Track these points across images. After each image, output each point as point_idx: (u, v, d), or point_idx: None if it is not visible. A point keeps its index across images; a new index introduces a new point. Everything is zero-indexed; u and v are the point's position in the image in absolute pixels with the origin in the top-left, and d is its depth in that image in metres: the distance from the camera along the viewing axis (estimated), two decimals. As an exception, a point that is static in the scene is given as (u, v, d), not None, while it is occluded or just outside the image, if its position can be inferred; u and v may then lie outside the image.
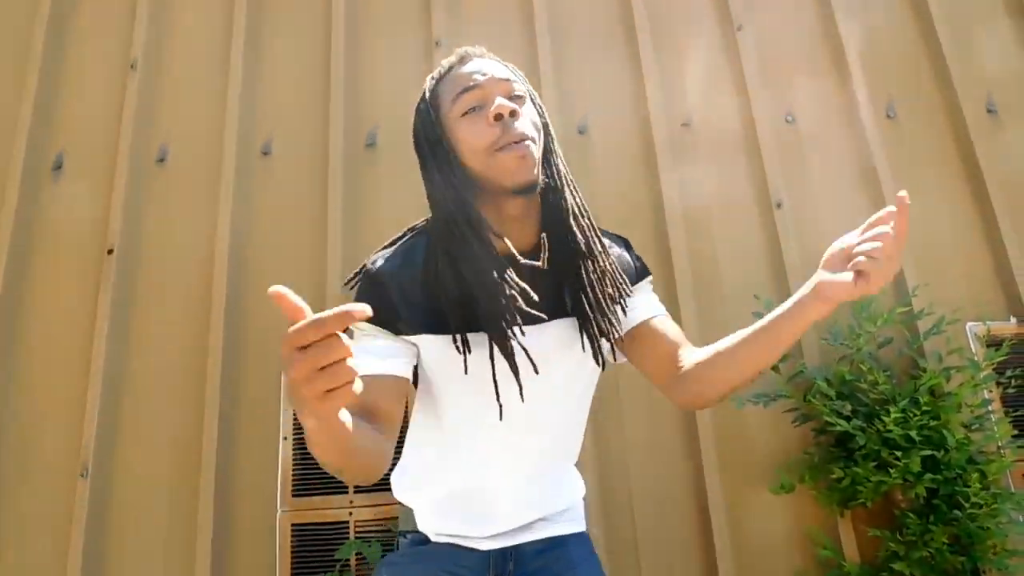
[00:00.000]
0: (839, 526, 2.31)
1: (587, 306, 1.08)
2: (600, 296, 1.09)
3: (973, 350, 2.47)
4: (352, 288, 1.15)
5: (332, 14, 2.82)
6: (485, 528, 1.20)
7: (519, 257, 1.04)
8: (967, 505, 2.09)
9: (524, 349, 1.05)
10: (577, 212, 1.11)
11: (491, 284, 1.02)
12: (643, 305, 1.20)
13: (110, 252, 2.50)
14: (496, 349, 1.04)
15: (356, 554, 2.22)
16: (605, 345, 1.13)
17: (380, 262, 1.10)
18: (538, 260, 1.06)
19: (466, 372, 1.05)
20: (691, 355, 1.14)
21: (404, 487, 1.27)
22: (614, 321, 1.11)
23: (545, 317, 1.09)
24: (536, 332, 1.08)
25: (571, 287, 1.10)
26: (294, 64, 2.80)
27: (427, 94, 1.13)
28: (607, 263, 1.13)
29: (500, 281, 1.02)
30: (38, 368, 2.41)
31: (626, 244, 1.26)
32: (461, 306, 1.04)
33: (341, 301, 2.41)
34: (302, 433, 2.32)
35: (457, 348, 1.04)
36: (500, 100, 1.03)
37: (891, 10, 2.97)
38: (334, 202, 2.56)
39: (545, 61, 2.78)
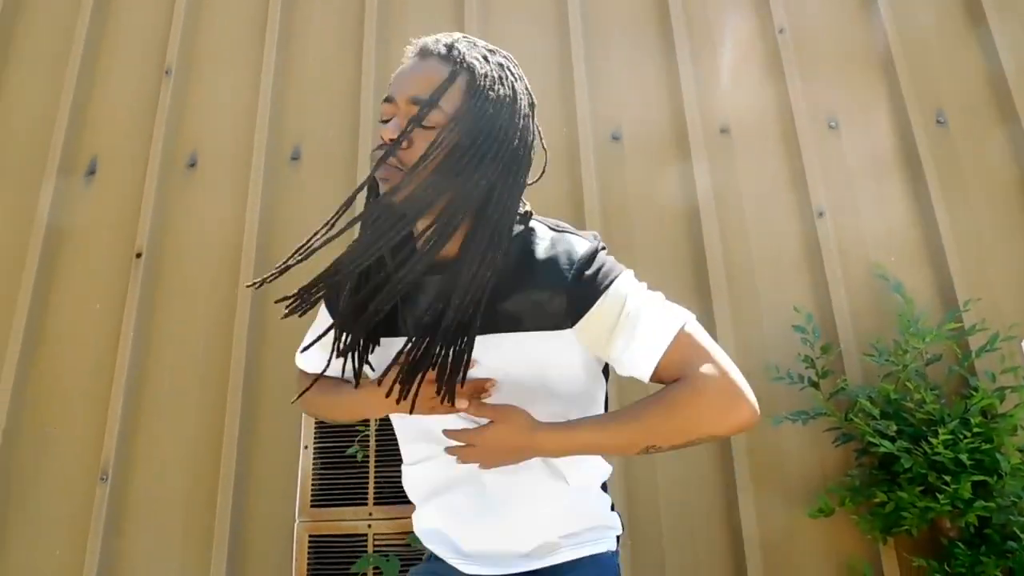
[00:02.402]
0: (881, 554, 2.18)
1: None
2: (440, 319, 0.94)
3: (1029, 369, 2.32)
4: None
5: (364, 18, 2.82)
6: (458, 560, 1.11)
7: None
8: (1023, 536, 1.95)
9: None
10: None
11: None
12: (631, 363, 0.97)
13: (138, 256, 2.51)
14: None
15: (373, 568, 2.17)
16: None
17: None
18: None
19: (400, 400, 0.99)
20: None
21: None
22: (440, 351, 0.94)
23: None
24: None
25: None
26: (324, 69, 2.80)
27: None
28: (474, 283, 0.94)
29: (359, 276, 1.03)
30: (63, 370, 2.43)
31: (586, 255, 0.99)
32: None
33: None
34: (323, 443, 2.29)
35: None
36: (392, 124, 0.97)
37: (941, 13, 2.85)
38: (362, 208, 2.53)
39: (578, 62, 2.73)
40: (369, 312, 0.98)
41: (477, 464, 1.01)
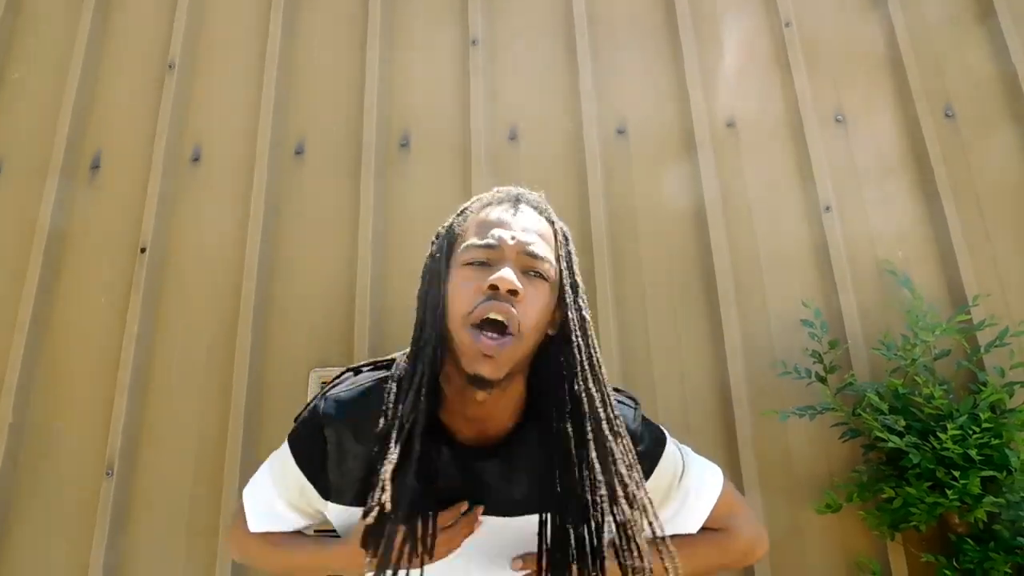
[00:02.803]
0: (889, 550, 2.17)
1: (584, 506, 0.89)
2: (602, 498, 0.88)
3: (1039, 364, 2.31)
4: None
5: (368, 12, 2.80)
6: None
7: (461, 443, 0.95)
8: (1033, 532, 1.95)
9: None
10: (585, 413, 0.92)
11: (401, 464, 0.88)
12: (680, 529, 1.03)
13: (143, 251, 2.50)
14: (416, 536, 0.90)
15: (379, 563, 2.16)
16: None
17: (327, 404, 1.00)
18: (495, 452, 0.94)
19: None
20: None
21: None
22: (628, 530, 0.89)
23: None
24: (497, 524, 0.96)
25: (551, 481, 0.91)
26: (328, 64, 2.78)
27: (453, 220, 1.01)
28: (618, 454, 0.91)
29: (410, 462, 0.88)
30: (68, 365, 2.42)
31: (634, 431, 1.01)
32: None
33: (369, 300, 2.39)
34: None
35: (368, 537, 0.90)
36: (505, 271, 0.88)
37: (950, 5, 2.82)
38: (366, 203, 2.53)
39: (584, 57, 2.71)
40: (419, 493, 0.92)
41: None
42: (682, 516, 1.06)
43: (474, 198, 1.04)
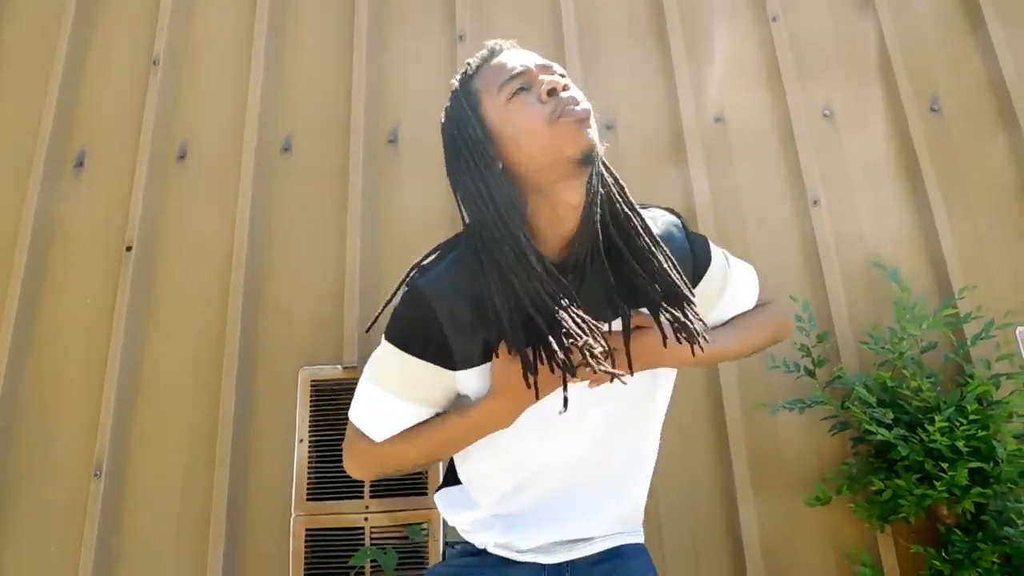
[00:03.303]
0: (878, 542, 2.19)
1: (656, 296, 1.01)
2: (671, 285, 1.01)
3: (1024, 356, 2.33)
4: (375, 322, 1.12)
5: (355, 8, 2.79)
6: (537, 539, 1.12)
7: (563, 262, 1.00)
8: (1020, 522, 1.96)
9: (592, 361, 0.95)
10: (624, 207, 1.05)
11: (545, 299, 0.95)
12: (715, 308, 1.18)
13: (128, 249, 2.48)
14: (558, 361, 0.94)
15: (371, 561, 2.15)
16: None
17: (425, 282, 1.02)
18: (582, 261, 1.01)
19: (536, 396, 0.98)
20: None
21: (452, 503, 1.20)
22: (690, 314, 1.01)
23: (601, 324, 1.00)
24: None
25: (629, 285, 1.02)
26: (315, 60, 2.76)
27: (459, 92, 1.05)
28: (663, 259, 1.03)
29: (553, 294, 0.95)
30: (55, 365, 2.40)
31: (677, 226, 1.14)
32: (519, 325, 0.96)
33: (360, 300, 2.38)
34: (317, 435, 2.28)
35: (527, 370, 0.95)
36: (551, 77, 0.99)
37: (937, 2, 2.84)
38: (354, 200, 2.52)
39: (572, 53, 2.71)
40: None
41: (616, 377, 0.97)
42: (741, 296, 1.22)
43: (456, 78, 1.08)
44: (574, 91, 1.00)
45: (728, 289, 1.19)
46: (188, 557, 2.20)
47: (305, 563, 2.18)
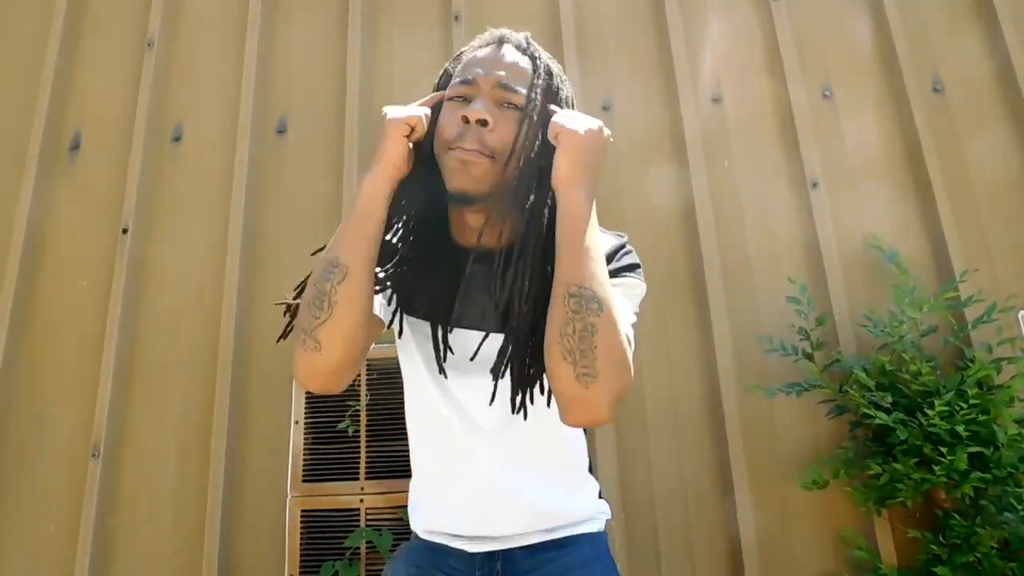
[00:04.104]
0: (875, 526, 2.17)
1: (506, 322, 0.97)
2: (518, 308, 0.95)
3: (1027, 340, 2.30)
4: None
5: (350, -10, 2.76)
6: (458, 528, 1.14)
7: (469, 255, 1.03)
8: (1019, 507, 1.94)
9: (447, 347, 1.05)
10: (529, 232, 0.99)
11: (434, 274, 1.04)
12: None
13: (124, 232, 2.48)
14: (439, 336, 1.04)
15: (366, 542, 2.16)
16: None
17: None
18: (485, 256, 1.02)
19: (400, 333, 1.09)
20: None
21: (412, 493, 1.24)
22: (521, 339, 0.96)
23: (484, 328, 1.05)
24: (480, 339, 1.04)
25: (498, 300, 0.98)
26: (310, 41, 2.74)
27: (448, 65, 1.11)
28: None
29: (441, 273, 1.03)
30: (51, 347, 2.41)
31: (613, 248, 1.07)
32: (414, 288, 1.06)
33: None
34: (313, 417, 2.28)
35: (402, 327, 1.08)
36: (477, 105, 0.98)
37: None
38: (349, 180, 2.50)
39: (568, 35, 2.67)
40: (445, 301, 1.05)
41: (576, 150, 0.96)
42: None
43: (462, 50, 1.13)
44: (492, 133, 0.97)
45: None
46: (184, 537, 2.21)
47: (300, 544, 2.18)
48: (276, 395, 2.33)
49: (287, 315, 1.11)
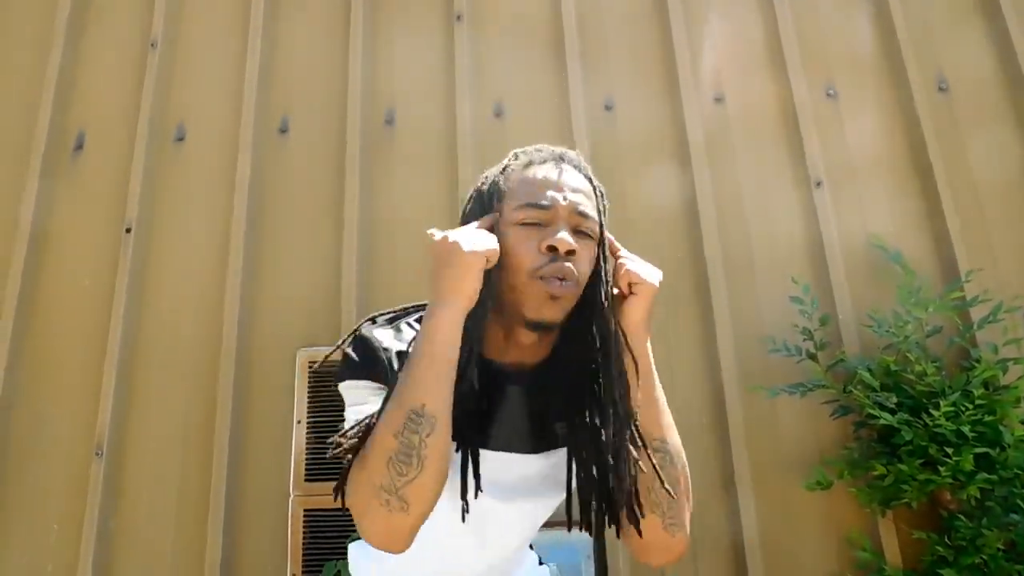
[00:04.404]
0: (880, 527, 2.16)
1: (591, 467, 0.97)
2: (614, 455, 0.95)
3: (1033, 340, 2.28)
4: (337, 350, 1.08)
5: (352, -11, 2.76)
6: None
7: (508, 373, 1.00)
8: (1025, 508, 1.93)
9: (476, 473, 0.96)
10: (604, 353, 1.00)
11: (462, 394, 0.93)
12: None
13: (128, 231, 2.48)
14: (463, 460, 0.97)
15: (368, 542, 2.15)
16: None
17: (376, 329, 1.04)
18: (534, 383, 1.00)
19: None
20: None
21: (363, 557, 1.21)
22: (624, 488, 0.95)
23: (520, 449, 1.02)
24: (515, 461, 1.01)
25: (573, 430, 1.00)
26: (312, 41, 2.75)
27: (499, 178, 1.05)
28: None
29: (472, 394, 0.96)
30: (55, 346, 2.41)
31: None
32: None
33: (355, 279, 2.38)
34: (315, 417, 2.28)
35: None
36: (563, 234, 0.96)
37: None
38: (351, 180, 2.50)
39: (571, 34, 2.67)
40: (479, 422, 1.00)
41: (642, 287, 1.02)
42: None
43: (513, 153, 1.09)
44: (577, 262, 0.96)
45: None
46: (187, 536, 2.21)
47: (303, 543, 2.18)
48: (279, 395, 2.32)
49: (341, 455, 0.95)
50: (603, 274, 1.00)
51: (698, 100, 2.60)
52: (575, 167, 1.05)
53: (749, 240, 2.46)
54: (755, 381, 2.26)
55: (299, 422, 2.29)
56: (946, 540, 2.03)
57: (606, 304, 0.99)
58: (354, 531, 2.12)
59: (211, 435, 2.27)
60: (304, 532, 2.20)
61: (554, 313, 0.95)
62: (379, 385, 0.99)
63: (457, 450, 0.96)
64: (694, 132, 2.54)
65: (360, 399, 1.00)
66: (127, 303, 2.41)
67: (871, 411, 2.05)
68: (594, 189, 1.05)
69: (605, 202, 1.07)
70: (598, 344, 0.99)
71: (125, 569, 2.21)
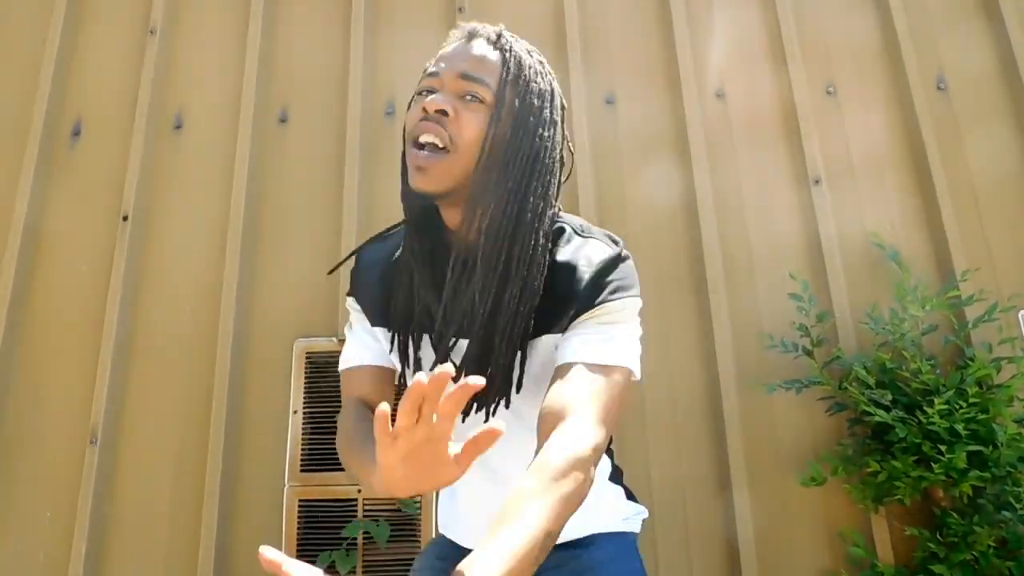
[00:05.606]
0: (872, 523, 2.17)
1: (483, 332, 0.94)
2: (498, 321, 0.93)
3: (1027, 340, 2.29)
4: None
5: (353, -22, 2.75)
6: (465, 534, 1.15)
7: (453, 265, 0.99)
8: (1018, 506, 1.95)
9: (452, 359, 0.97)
10: (514, 231, 0.95)
11: (419, 285, 1.00)
12: (567, 347, 0.93)
13: (125, 219, 2.47)
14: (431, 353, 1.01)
15: (363, 533, 2.16)
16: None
17: (367, 247, 1.11)
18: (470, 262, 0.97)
19: (405, 380, 1.04)
20: (547, 445, 0.83)
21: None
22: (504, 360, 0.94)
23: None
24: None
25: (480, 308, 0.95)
26: (312, 30, 2.73)
27: (428, 62, 1.06)
28: (526, 285, 0.94)
29: (423, 283, 1.00)
30: (50, 333, 2.40)
31: (606, 262, 0.97)
32: (405, 303, 1.03)
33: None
34: (312, 407, 2.27)
35: (394, 345, 1.04)
36: (437, 96, 0.94)
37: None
38: (351, 170, 2.50)
39: (572, 27, 2.66)
40: (420, 310, 1.02)
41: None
42: (583, 351, 0.92)
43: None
44: (452, 125, 0.93)
45: (586, 335, 0.94)
46: (182, 525, 2.21)
47: (298, 534, 2.18)
48: (275, 384, 2.32)
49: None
50: (490, 138, 0.94)
51: (699, 97, 2.60)
52: (485, 39, 1.01)
53: (747, 236, 2.46)
54: (751, 377, 2.27)
55: (295, 412, 2.29)
56: (938, 537, 2.04)
57: (485, 169, 0.94)
58: (348, 522, 2.13)
59: (207, 424, 2.27)
60: (299, 522, 2.19)
61: (425, 183, 0.93)
62: (358, 306, 1.10)
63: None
64: (694, 127, 2.55)
65: (351, 318, 1.13)
66: (124, 291, 2.40)
67: (866, 408, 2.07)
68: (504, 60, 0.99)
69: (524, 73, 0.99)
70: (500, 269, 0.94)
71: (119, 558, 2.20)
